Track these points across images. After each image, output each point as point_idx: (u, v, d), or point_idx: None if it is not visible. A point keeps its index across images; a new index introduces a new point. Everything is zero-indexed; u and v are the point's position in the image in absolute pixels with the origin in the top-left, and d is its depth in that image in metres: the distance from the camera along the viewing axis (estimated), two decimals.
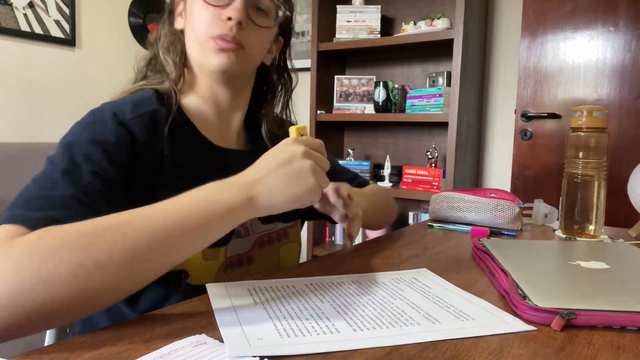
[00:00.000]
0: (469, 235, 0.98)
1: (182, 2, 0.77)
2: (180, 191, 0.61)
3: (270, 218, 0.58)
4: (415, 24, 2.50)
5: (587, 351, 0.43)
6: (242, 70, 0.75)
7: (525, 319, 0.50)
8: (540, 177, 2.20)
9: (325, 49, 2.65)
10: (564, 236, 0.95)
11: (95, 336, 0.44)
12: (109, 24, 2.60)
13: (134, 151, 0.64)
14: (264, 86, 0.86)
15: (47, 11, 2.33)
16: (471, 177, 2.50)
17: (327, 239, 2.93)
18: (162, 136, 0.68)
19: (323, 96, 2.76)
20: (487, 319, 0.50)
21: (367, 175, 2.66)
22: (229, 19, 0.69)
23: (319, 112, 2.71)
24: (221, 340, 0.43)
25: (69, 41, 2.43)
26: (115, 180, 0.60)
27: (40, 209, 0.51)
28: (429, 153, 2.54)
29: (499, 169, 2.52)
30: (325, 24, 2.68)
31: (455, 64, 2.25)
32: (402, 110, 2.55)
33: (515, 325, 0.49)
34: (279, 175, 0.55)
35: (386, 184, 2.59)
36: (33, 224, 0.48)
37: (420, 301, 0.55)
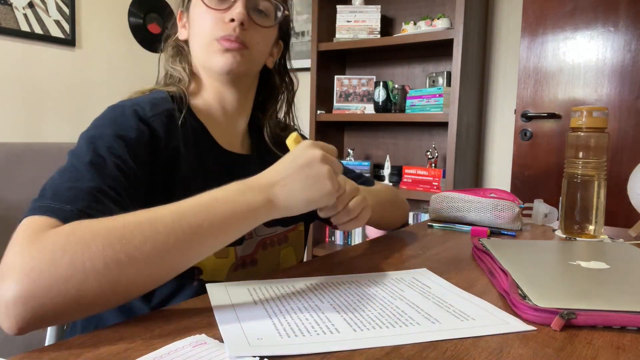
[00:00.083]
0: (469, 235, 0.98)
1: (184, 13, 0.79)
2: (193, 190, 0.63)
3: (271, 222, 0.59)
4: (415, 24, 2.50)
5: (587, 351, 0.43)
6: (247, 71, 0.77)
7: (525, 319, 0.50)
8: (540, 177, 2.20)
9: (325, 49, 2.65)
10: (564, 236, 0.95)
11: (95, 336, 0.44)
12: (109, 24, 2.60)
13: (154, 148, 0.65)
14: (266, 91, 0.87)
15: (47, 11, 2.33)
16: (471, 177, 2.51)
17: (327, 239, 2.93)
18: (178, 135, 0.69)
19: (323, 96, 2.76)
20: (487, 319, 0.50)
21: (366, 175, 2.66)
22: (232, 20, 0.72)
23: (319, 112, 2.71)
24: (221, 340, 0.43)
25: (69, 41, 2.43)
26: (137, 175, 0.61)
27: (70, 201, 0.51)
28: (428, 153, 2.54)
29: (499, 169, 2.52)
30: (325, 24, 2.68)
31: (455, 64, 2.25)
32: (402, 110, 2.55)
33: (515, 325, 0.49)
34: (298, 178, 0.56)
35: (386, 184, 2.59)
36: (64, 216, 0.49)
37: (420, 301, 0.55)
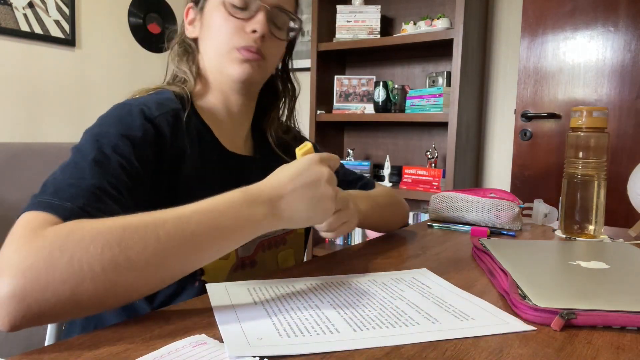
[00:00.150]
0: (468, 235, 0.98)
1: (194, 10, 0.78)
2: (196, 190, 0.63)
3: None
4: (415, 24, 2.50)
5: (587, 351, 0.43)
6: (261, 80, 0.79)
7: (525, 319, 0.50)
8: (540, 177, 2.20)
9: (325, 49, 2.65)
10: (564, 236, 0.95)
11: (95, 336, 0.44)
12: (109, 24, 2.60)
13: (159, 147, 0.65)
14: (269, 94, 0.88)
15: (47, 11, 2.33)
16: (471, 177, 2.51)
17: (327, 239, 2.93)
18: (183, 135, 0.69)
19: (323, 96, 2.76)
20: (487, 319, 0.50)
21: (366, 175, 2.66)
22: (254, 31, 0.72)
23: (318, 112, 2.71)
24: (221, 340, 0.43)
25: (69, 41, 2.43)
26: (140, 175, 0.61)
27: (71, 198, 0.51)
28: (428, 153, 2.54)
29: (499, 169, 2.52)
30: (325, 24, 2.69)
31: (455, 64, 2.25)
32: (402, 110, 2.55)
33: (515, 325, 0.49)
34: (304, 196, 0.57)
35: (386, 184, 2.59)
36: (63, 214, 0.49)
37: (420, 301, 0.55)
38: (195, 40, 0.79)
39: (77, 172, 0.55)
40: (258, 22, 0.72)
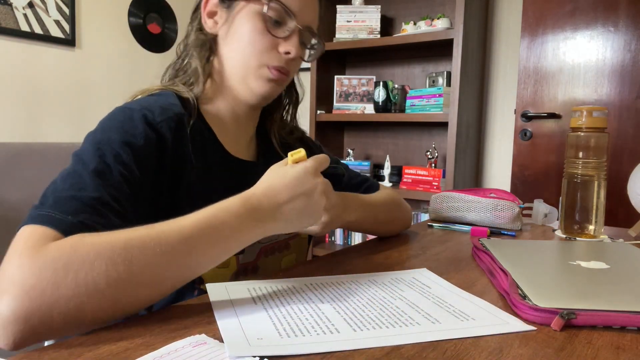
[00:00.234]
0: (468, 235, 0.98)
1: (217, 4, 0.74)
2: (198, 195, 0.63)
3: None
4: (415, 24, 2.50)
5: (587, 351, 0.43)
6: (277, 95, 0.78)
7: (525, 318, 0.50)
8: (540, 177, 2.20)
9: (325, 49, 2.65)
10: (564, 236, 0.95)
11: (95, 336, 0.44)
12: (109, 24, 2.60)
13: (160, 153, 0.64)
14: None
15: (47, 11, 2.33)
16: (471, 177, 2.51)
17: (327, 239, 2.93)
18: (186, 140, 0.68)
19: (323, 96, 2.76)
20: (487, 319, 0.50)
21: (366, 175, 2.66)
22: (287, 53, 0.71)
23: (318, 112, 2.71)
24: (221, 340, 0.43)
25: (69, 41, 2.43)
26: (142, 183, 0.60)
27: (71, 212, 0.50)
28: (428, 153, 2.55)
29: (499, 169, 2.52)
30: (325, 24, 2.68)
31: (455, 64, 2.25)
32: (402, 110, 2.55)
33: (515, 325, 0.49)
34: (297, 208, 0.58)
35: (386, 184, 2.59)
36: (64, 228, 0.48)
37: (420, 301, 0.55)
38: (213, 36, 0.75)
39: (78, 182, 0.54)
40: (293, 45, 0.71)
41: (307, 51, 0.78)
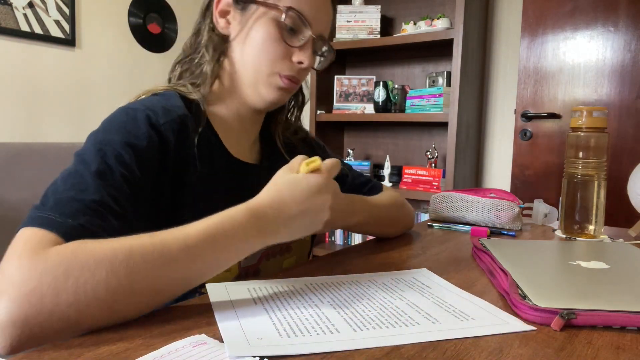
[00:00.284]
0: (468, 235, 0.98)
1: (230, 4, 0.72)
2: (201, 197, 0.62)
3: None
4: (415, 24, 2.50)
5: (587, 351, 0.43)
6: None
7: (525, 318, 0.50)
8: (540, 177, 2.20)
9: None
10: (564, 236, 0.95)
11: (95, 336, 0.44)
12: (109, 24, 2.60)
13: (163, 155, 0.63)
14: None
15: (47, 11, 2.33)
16: (471, 177, 2.51)
17: (327, 239, 2.93)
18: (189, 143, 0.67)
19: (323, 96, 2.76)
20: (487, 319, 0.50)
21: (366, 175, 2.66)
22: (300, 62, 0.71)
23: (318, 112, 2.71)
24: (221, 340, 0.43)
25: (69, 41, 2.43)
26: (143, 186, 0.59)
27: (71, 215, 0.50)
28: (428, 153, 2.55)
29: (499, 169, 2.52)
30: None
31: (455, 64, 2.25)
32: (402, 110, 2.55)
33: (515, 325, 0.49)
34: (303, 222, 0.58)
35: (386, 184, 2.59)
36: (64, 232, 0.48)
37: (420, 301, 0.55)
38: (223, 37, 0.73)
39: (79, 183, 0.54)
40: (307, 55, 0.70)
41: (318, 58, 0.77)
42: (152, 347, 0.42)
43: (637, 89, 1.98)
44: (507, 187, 2.36)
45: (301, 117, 0.91)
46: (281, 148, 0.84)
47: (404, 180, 2.54)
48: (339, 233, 2.90)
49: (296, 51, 0.71)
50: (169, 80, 0.77)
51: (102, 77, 2.57)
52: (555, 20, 2.13)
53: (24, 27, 2.26)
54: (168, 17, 2.86)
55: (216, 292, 0.57)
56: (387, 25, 2.77)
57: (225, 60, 0.74)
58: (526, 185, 2.22)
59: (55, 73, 2.40)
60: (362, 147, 2.95)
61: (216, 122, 0.74)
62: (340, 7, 2.64)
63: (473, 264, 0.74)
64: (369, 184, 0.97)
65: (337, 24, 2.65)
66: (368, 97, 2.73)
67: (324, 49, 0.77)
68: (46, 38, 2.34)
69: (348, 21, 2.64)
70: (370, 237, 0.94)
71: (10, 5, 2.21)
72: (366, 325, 0.47)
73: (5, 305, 0.42)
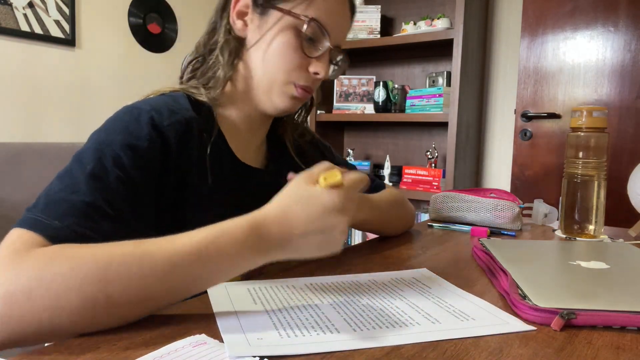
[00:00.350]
0: (469, 235, 0.98)
1: (249, 5, 0.70)
2: (204, 200, 0.61)
3: None
4: (415, 24, 2.50)
5: (587, 351, 0.43)
6: None
7: (525, 318, 0.50)
8: (540, 177, 2.20)
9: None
10: (564, 236, 0.95)
11: (95, 336, 0.44)
12: (109, 24, 2.60)
13: (164, 157, 0.62)
14: None
15: (47, 11, 2.33)
16: (471, 177, 2.51)
17: None
18: (194, 145, 0.66)
19: (323, 96, 2.76)
20: (487, 319, 0.50)
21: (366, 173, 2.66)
22: (316, 73, 0.70)
23: (319, 112, 2.71)
24: (221, 340, 0.43)
25: (69, 41, 2.43)
26: (141, 188, 0.58)
27: (60, 216, 0.49)
28: (428, 153, 2.55)
29: (499, 169, 2.52)
30: None
31: (455, 64, 2.26)
32: (402, 110, 2.55)
33: (515, 325, 0.49)
34: (311, 243, 0.51)
35: (386, 183, 2.59)
36: (50, 234, 0.47)
37: (420, 301, 0.55)
38: (239, 39, 0.72)
39: (71, 185, 0.53)
40: (323, 66, 0.69)
41: (332, 67, 0.76)
42: (152, 347, 0.42)
43: (637, 89, 1.98)
44: (507, 187, 2.36)
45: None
46: (291, 151, 0.83)
47: (404, 180, 2.54)
48: None
49: (313, 61, 0.70)
50: (181, 78, 0.75)
51: (102, 77, 2.57)
52: (555, 20, 2.13)
53: (24, 27, 2.26)
54: (168, 17, 2.86)
55: (216, 292, 0.57)
56: (387, 25, 2.77)
57: (240, 63, 0.72)
58: (526, 185, 2.22)
59: (55, 73, 2.40)
60: (362, 147, 2.95)
61: (224, 124, 0.72)
62: None
63: (473, 264, 0.74)
64: (373, 183, 0.97)
65: None
66: (368, 97, 2.73)
67: (339, 57, 0.76)
68: (46, 38, 2.34)
69: None
70: (371, 237, 0.94)
71: (10, 5, 2.21)
72: (366, 325, 0.47)
73: None
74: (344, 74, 2.87)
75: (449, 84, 2.44)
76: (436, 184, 2.41)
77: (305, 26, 0.67)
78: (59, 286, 0.42)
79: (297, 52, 0.68)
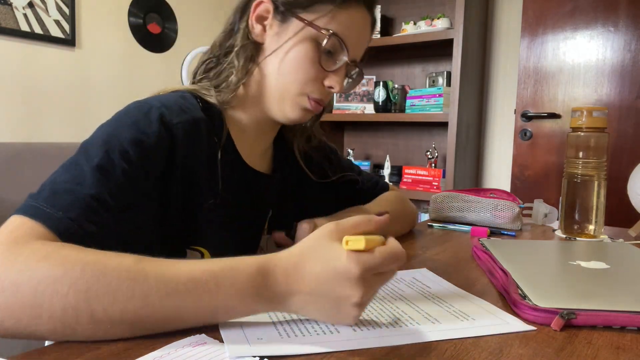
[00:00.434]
0: (469, 235, 0.98)
1: (269, 11, 0.69)
2: (212, 203, 0.61)
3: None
4: (415, 24, 2.50)
5: (587, 351, 0.43)
6: None
7: (525, 319, 0.50)
8: (540, 177, 2.20)
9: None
10: (564, 236, 0.95)
11: None
12: (109, 24, 2.60)
13: (172, 154, 0.61)
14: None
15: (47, 11, 2.33)
16: (471, 177, 2.51)
17: None
18: (202, 146, 0.65)
19: None
20: (487, 319, 0.50)
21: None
22: (331, 87, 0.69)
23: None
24: (221, 340, 0.43)
25: (69, 41, 2.43)
26: (147, 184, 0.58)
27: (64, 207, 0.48)
28: (428, 153, 2.55)
29: (499, 169, 2.52)
30: None
31: (455, 64, 2.25)
32: (402, 110, 2.55)
33: (515, 325, 0.49)
34: (319, 307, 0.46)
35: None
36: (52, 224, 0.47)
37: (420, 301, 0.55)
38: (257, 44, 0.70)
39: (77, 176, 0.52)
40: (339, 81, 0.69)
41: (347, 80, 0.75)
42: (152, 347, 0.42)
43: (637, 89, 1.98)
44: (507, 187, 2.36)
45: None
46: (299, 157, 0.82)
47: (404, 180, 2.54)
48: None
49: (329, 75, 0.69)
50: (194, 76, 0.75)
51: (102, 77, 2.57)
52: (555, 20, 2.13)
53: (24, 27, 2.26)
54: (168, 17, 2.86)
55: None
56: (387, 25, 2.77)
57: (255, 67, 0.71)
58: (526, 185, 2.22)
59: (55, 73, 2.40)
60: (362, 147, 2.95)
61: (233, 126, 0.71)
62: None
63: (473, 264, 0.74)
64: (378, 185, 0.97)
65: None
66: (368, 97, 2.73)
67: (354, 72, 0.75)
68: (46, 38, 2.34)
69: None
70: None
71: (10, 5, 2.21)
72: (366, 325, 0.47)
73: None
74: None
75: (449, 84, 2.44)
76: (436, 184, 2.41)
77: (325, 40, 0.66)
78: (45, 288, 0.41)
79: (314, 64, 0.67)
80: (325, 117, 2.68)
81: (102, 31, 2.57)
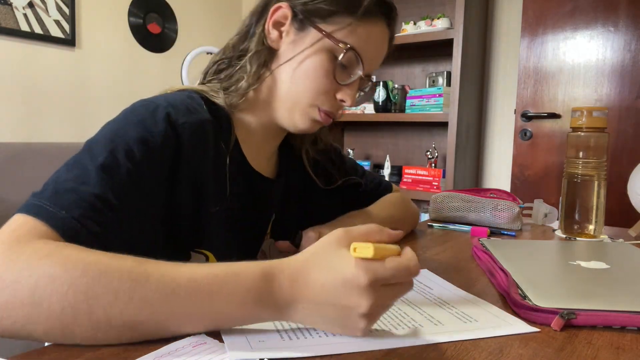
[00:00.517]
0: (469, 235, 0.98)
1: (287, 18, 0.68)
2: (213, 204, 0.60)
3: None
4: (415, 23, 2.50)
5: (587, 351, 0.43)
6: None
7: (525, 318, 0.50)
8: (540, 177, 2.20)
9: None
10: (564, 236, 0.95)
11: None
12: (109, 24, 2.60)
13: (177, 154, 0.60)
14: None
15: (47, 11, 2.33)
16: (471, 177, 2.51)
17: None
18: (209, 147, 0.64)
19: None
20: (489, 321, 0.50)
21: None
22: (343, 101, 0.68)
23: None
24: (221, 340, 0.43)
25: (69, 41, 2.43)
26: (152, 184, 0.57)
27: (67, 206, 0.48)
28: (428, 153, 2.55)
29: (499, 169, 2.52)
30: None
31: (455, 64, 2.25)
32: (402, 110, 2.55)
33: (518, 327, 0.49)
34: (325, 315, 0.44)
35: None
36: (55, 223, 0.46)
37: (421, 302, 0.55)
38: (271, 50, 0.69)
39: (81, 175, 0.51)
40: (351, 95, 0.68)
41: (359, 93, 0.74)
42: (152, 347, 0.42)
43: (637, 89, 1.98)
44: (507, 187, 2.36)
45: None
46: (305, 162, 0.81)
47: (404, 180, 2.54)
48: None
49: (342, 88, 0.68)
50: (204, 76, 0.74)
51: (102, 77, 2.57)
52: (555, 20, 2.13)
53: (24, 27, 2.26)
54: (168, 17, 2.86)
55: None
56: None
57: (267, 74, 0.70)
58: (526, 185, 2.22)
59: (55, 73, 2.40)
60: (362, 147, 2.95)
61: (240, 129, 0.71)
62: None
63: (473, 264, 0.74)
64: (381, 186, 0.97)
65: None
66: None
67: (367, 85, 0.75)
68: (46, 38, 2.34)
69: None
70: None
71: (10, 5, 2.21)
72: None
73: None
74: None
75: (449, 83, 2.44)
76: (436, 184, 2.41)
77: (342, 54, 0.65)
78: (45, 287, 0.41)
79: (328, 77, 0.67)
80: None
81: (102, 31, 2.57)
